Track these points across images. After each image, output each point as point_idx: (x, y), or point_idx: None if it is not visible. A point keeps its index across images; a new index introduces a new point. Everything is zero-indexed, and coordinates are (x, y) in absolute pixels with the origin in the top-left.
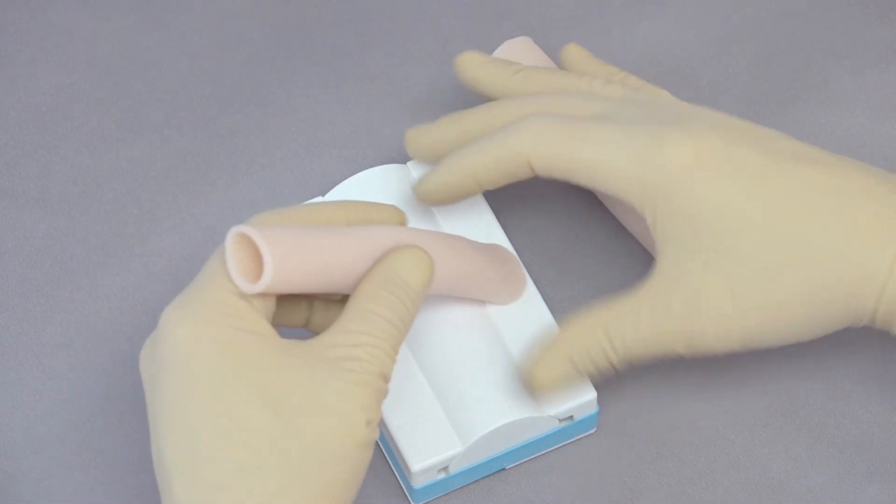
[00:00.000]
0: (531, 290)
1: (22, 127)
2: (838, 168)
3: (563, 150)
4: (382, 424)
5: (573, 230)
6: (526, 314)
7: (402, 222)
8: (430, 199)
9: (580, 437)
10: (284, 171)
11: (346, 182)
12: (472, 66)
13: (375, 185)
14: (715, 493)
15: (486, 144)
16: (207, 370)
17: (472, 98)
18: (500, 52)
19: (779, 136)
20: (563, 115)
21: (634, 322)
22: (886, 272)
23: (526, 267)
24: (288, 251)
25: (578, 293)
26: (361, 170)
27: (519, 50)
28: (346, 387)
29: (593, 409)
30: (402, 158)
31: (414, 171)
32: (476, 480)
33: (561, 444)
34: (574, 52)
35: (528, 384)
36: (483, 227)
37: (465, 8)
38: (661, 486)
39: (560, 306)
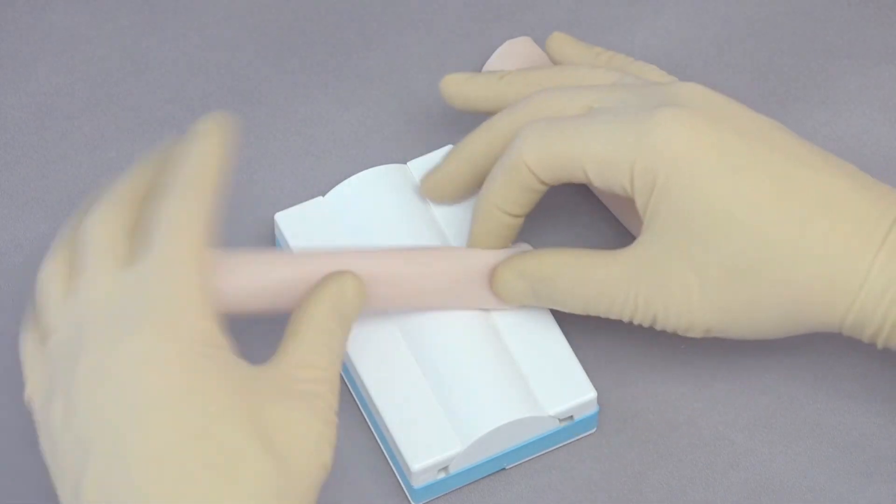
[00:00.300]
0: None
1: (22, 127)
2: (825, 173)
3: (558, 152)
4: (383, 424)
5: (573, 230)
6: (526, 313)
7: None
8: (432, 197)
9: (580, 437)
10: (284, 171)
11: (346, 182)
12: (457, 85)
13: (375, 185)
14: (715, 493)
15: (494, 172)
16: (178, 387)
17: None
18: (500, 52)
19: (774, 127)
20: (554, 118)
21: (601, 285)
22: (858, 285)
23: None
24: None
25: None
26: (361, 170)
27: (519, 50)
28: (321, 426)
29: (593, 409)
30: (402, 158)
31: (414, 170)
32: (476, 480)
33: (561, 444)
34: (559, 40)
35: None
36: None
37: (465, 8)
38: (661, 486)
39: None
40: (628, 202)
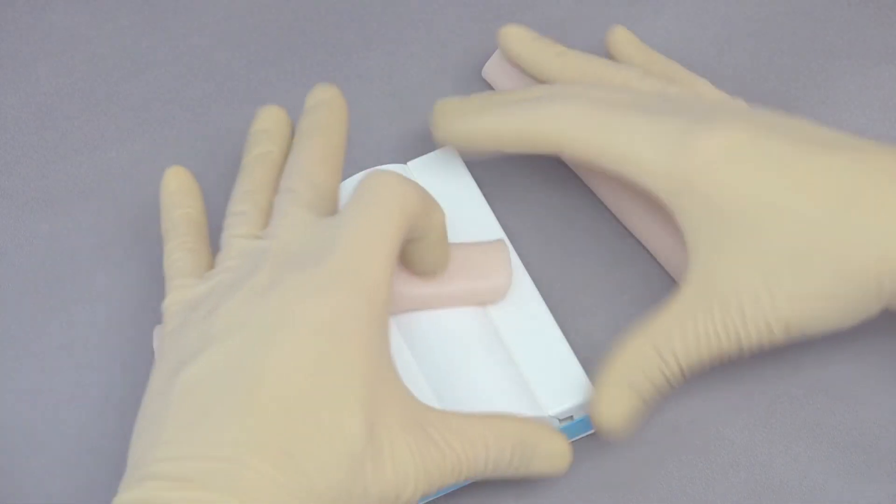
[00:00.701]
0: (530, 289)
1: (22, 127)
2: (867, 152)
3: (594, 136)
4: None
5: (573, 229)
6: (525, 314)
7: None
8: (447, 140)
9: (580, 437)
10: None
11: (345, 182)
12: (519, 41)
13: None
14: (715, 493)
15: (519, 108)
16: (338, 354)
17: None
18: (501, 52)
19: (809, 125)
20: (597, 101)
21: (681, 333)
22: None
23: (525, 266)
24: None
25: (578, 292)
26: (361, 170)
27: None
28: (423, 474)
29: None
30: (402, 158)
31: (414, 170)
32: (476, 481)
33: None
34: (620, 35)
35: (599, 425)
36: (481, 222)
37: (464, 8)
38: (661, 486)
39: (560, 306)
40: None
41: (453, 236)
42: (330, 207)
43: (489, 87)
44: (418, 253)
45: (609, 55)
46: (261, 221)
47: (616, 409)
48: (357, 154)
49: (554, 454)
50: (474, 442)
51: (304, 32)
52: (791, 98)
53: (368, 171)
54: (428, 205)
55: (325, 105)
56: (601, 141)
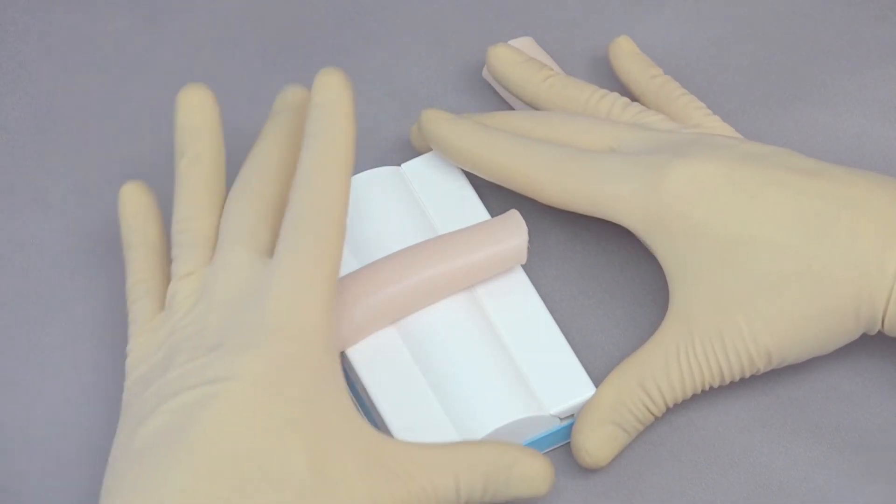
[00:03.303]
0: (529, 290)
1: (22, 127)
2: (839, 177)
3: (568, 179)
4: (385, 428)
5: (573, 230)
6: (524, 314)
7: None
8: (432, 144)
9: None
10: None
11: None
12: (507, 63)
13: (369, 187)
14: (715, 493)
15: (502, 147)
16: (277, 404)
17: (472, 98)
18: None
19: (787, 154)
20: (572, 148)
21: (665, 369)
22: (892, 277)
23: (526, 267)
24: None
25: (578, 293)
26: (361, 169)
27: (521, 49)
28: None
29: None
30: (402, 159)
31: (408, 172)
32: None
33: (561, 444)
34: (622, 48)
35: (581, 461)
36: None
37: (465, 8)
38: (661, 486)
39: (560, 306)
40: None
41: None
42: (272, 239)
43: (489, 87)
44: None
45: (610, 65)
46: (204, 255)
47: (600, 447)
48: (357, 154)
49: (533, 477)
50: (441, 472)
51: (304, 32)
52: (791, 98)
53: (362, 174)
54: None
55: (287, 113)
56: (577, 183)
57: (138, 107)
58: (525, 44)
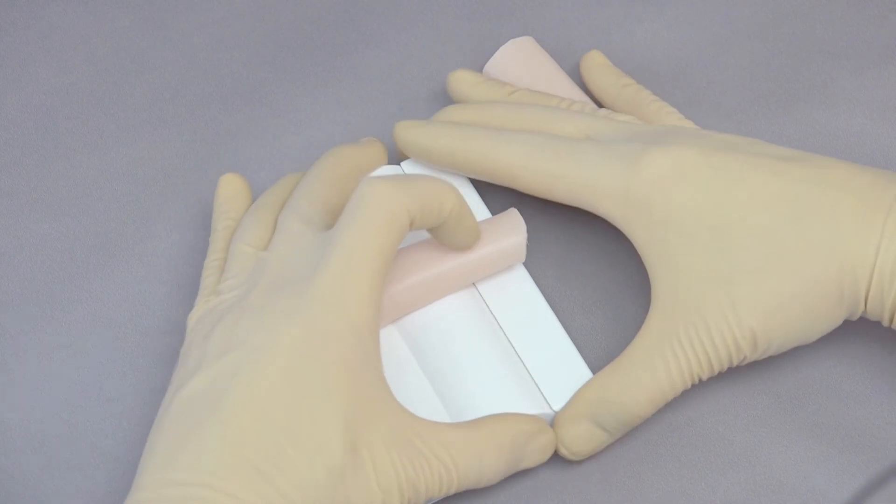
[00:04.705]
0: (533, 290)
1: (22, 127)
2: (818, 163)
3: (547, 166)
4: None
5: (573, 230)
6: (527, 312)
7: (384, 155)
8: (407, 152)
9: None
10: (284, 171)
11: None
12: (466, 85)
13: None
14: (715, 493)
15: (477, 135)
16: (318, 374)
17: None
18: (503, 52)
19: (759, 143)
20: (550, 135)
21: (649, 366)
22: (872, 258)
23: (526, 267)
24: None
25: (578, 293)
26: None
27: (522, 50)
28: (408, 486)
29: None
30: (401, 159)
31: (407, 170)
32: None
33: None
34: (593, 61)
35: (558, 449)
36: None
37: (465, 8)
38: (661, 486)
39: (560, 306)
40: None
41: None
42: (332, 222)
43: None
44: (443, 235)
45: (583, 79)
46: (266, 234)
47: (574, 441)
48: None
49: (542, 448)
50: (465, 452)
51: (303, 32)
52: (791, 98)
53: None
54: (432, 198)
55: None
56: (554, 170)
57: (138, 107)
58: (525, 44)
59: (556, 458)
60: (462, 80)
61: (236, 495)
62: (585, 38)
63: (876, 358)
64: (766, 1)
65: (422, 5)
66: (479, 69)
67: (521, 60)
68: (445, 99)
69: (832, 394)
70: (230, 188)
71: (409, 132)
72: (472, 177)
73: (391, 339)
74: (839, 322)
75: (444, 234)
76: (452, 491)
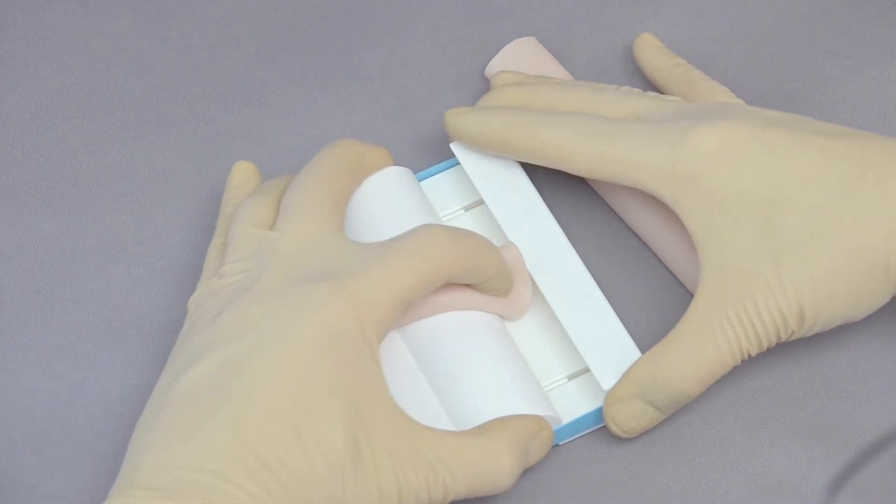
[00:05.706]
0: (582, 270)
1: (22, 127)
2: (864, 138)
3: (595, 144)
4: None
5: (573, 230)
6: (578, 293)
7: (391, 160)
8: (457, 136)
9: (581, 435)
10: (284, 171)
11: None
12: (507, 81)
13: (379, 186)
14: (715, 493)
15: (526, 117)
16: (327, 370)
17: (472, 99)
18: (505, 52)
19: (806, 119)
20: (598, 116)
21: (698, 344)
22: None
23: (575, 248)
24: None
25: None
26: None
27: (524, 50)
28: (408, 493)
29: (597, 404)
30: (401, 158)
31: (456, 153)
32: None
33: (562, 442)
34: (645, 43)
35: (610, 429)
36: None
37: (465, 8)
38: (661, 486)
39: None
40: (629, 195)
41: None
42: (339, 217)
43: (489, 87)
44: (481, 287)
45: (636, 61)
46: (270, 217)
47: (627, 419)
48: None
49: (543, 444)
50: (477, 458)
51: (304, 32)
52: (791, 98)
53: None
54: (479, 261)
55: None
56: (604, 150)
57: (138, 107)
58: (527, 44)
59: (556, 457)
60: (499, 78)
61: (242, 485)
62: (585, 38)
63: (876, 358)
64: (766, 1)
65: (422, 6)
66: (481, 69)
67: (524, 60)
68: (446, 99)
69: (832, 394)
70: (243, 175)
71: (460, 119)
72: (522, 160)
73: (392, 343)
74: (886, 300)
75: (481, 286)
76: (461, 496)
